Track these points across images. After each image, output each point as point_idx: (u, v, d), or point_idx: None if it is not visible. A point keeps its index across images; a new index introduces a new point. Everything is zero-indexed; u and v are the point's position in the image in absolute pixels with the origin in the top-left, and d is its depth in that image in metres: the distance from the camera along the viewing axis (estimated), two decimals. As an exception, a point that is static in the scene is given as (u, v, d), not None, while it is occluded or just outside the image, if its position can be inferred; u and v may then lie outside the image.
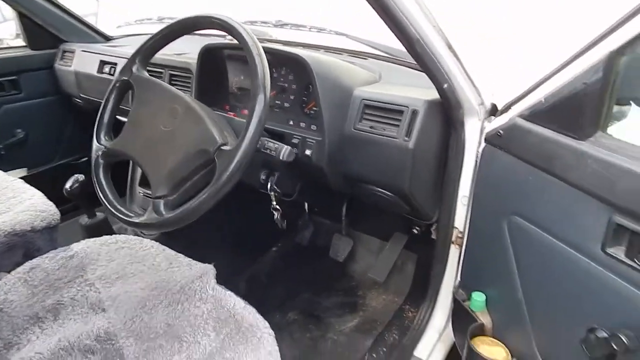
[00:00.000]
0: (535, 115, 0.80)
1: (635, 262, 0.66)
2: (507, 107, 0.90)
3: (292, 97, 1.13)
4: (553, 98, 0.74)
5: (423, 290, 1.25)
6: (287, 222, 1.73)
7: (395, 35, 0.76)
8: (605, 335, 0.71)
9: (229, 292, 0.96)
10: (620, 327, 0.69)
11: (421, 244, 1.43)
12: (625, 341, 0.67)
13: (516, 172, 0.86)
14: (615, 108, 0.72)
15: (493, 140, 0.91)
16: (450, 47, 0.80)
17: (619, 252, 0.69)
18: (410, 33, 0.74)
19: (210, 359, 0.84)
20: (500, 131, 0.88)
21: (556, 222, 0.79)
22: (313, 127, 1.07)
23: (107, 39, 1.91)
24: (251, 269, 1.64)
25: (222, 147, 0.80)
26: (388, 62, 1.23)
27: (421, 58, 0.80)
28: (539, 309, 0.89)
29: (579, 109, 0.70)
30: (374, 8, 0.71)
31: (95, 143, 1.00)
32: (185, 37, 1.46)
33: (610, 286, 0.71)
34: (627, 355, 0.69)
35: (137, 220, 0.87)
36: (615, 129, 0.74)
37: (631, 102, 0.74)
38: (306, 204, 1.70)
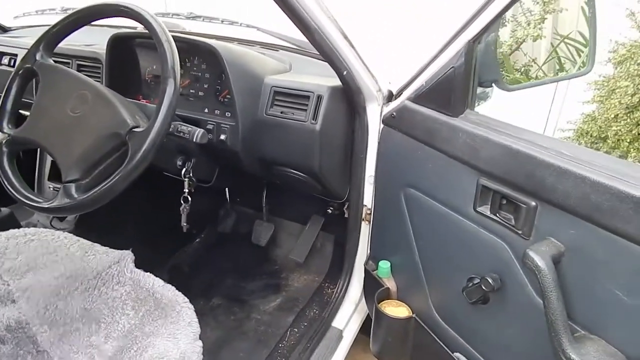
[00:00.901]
0: (419, 97, 0.92)
1: (496, 216, 0.80)
2: (400, 92, 1.02)
3: (205, 86, 1.17)
4: (431, 81, 0.86)
5: (340, 267, 1.35)
6: (208, 212, 1.76)
7: (296, 25, 0.84)
8: (477, 281, 0.85)
9: (147, 274, 0.98)
10: (489, 272, 0.83)
11: (337, 224, 1.53)
12: (490, 282, 0.80)
13: (407, 149, 0.98)
14: (480, 89, 0.86)
15: (388, 121, 1.02)
16: (345, 37, 0.90)
17: (485, 209, 0.82)
18: (309, 24, 0.82)
19: (129, 334, 0.86)
20: (394, 113, 1.00)
21: (440, 189, 0.92)
22: (227, 114, 1.12)
23: (4, 30, 1.79)
24: (173, 260, 1.64)
25: (134, 130, 0.83)
26: (298, 53, 1.31)
27: (320, 46, 0.88)
28: (431, 269, 1.02)
29: (451, 90, 0.83)
30: (276, 2, 0.78)
31: (-3, 132, 0.97)
32: (95, 29, 1.44)
33: (481, 239, 0.84)
34: (496, 294, 0.83)
35: (46, 205, 0.87)
36: (481, 108, 0.88)
37: (493, 84, 0.88)
38: (227, 194, 1.74)
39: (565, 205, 0.66)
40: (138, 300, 0.93)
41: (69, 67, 1.36)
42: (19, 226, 1.32)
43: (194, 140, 0.90)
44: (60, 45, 1.20)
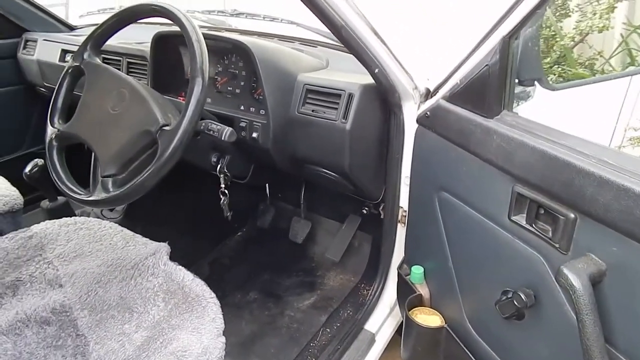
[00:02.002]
0: (453, 96, 0.87)
1: (532, 226, 0.74)
2: (436, 90, 0.97)
3: (242, 84, 1.18)
4: (465, 80, 0.81)
5: (377, 268, 1.32)
6: (250, 207, 1.79)
7: (323, 22, 0.82)
8: (511, 295, 0.79)
9: (179, 267, 1.02)
10: (522, 286, 0.77)
11: (374, 224, 1.50)
12: (523, 298, 0.75)
13: (441, 150, 0.93)
14: (520, 88, 0.80)
15: (422, 121, 0.98)
16: (376, 33, 0.87)
17: (520, 219, 0.76)
18: (334, 20, 0.80)
19: (157, 325, 0.90)
20: (428, 113, 0.95)
21: (473, 195, 0.87)
22: (262, 111, 1.13)
23: (71, 28, 1.93)
24: (214, 252, 1.69)
25: (164, 128, 0.85)
26: (336, 49, 1.29)
27: (349, 44, 0.86)
28: (465, 277, 0.97)
29: (486, 89, 0.77)
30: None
31: (49, 127, 1.04)
32: (149, 26, 1.50)
33: (516, 250, 0.78)
34: (531, 310, 0.77)
35: (85, 198, 0.92)
36: (521, 108, 0.81)
37: (535, 82, 0.81)
38: (267, 190, 1.76)
39: (606, 219, 0.60)
40: (169, 292, 0.96)
41: (119, 64, 1.44)
42: (73, 214, 1.41)
43: (223, 138, 0.91)
44: (113, 43, 1.27)
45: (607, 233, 0.60)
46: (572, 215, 0.65)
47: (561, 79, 1.53)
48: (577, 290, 0.60)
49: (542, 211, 0.72)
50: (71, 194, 0.96)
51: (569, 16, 1.82)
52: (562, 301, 0.70)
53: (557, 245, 0.69)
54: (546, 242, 0.71)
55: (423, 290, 1.12)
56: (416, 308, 1.11)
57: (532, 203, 0.73)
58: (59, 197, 1.39)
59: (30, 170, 1.24)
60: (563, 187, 0.65)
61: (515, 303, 0.77)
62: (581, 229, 0.65)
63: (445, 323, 1.06)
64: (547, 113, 0.85)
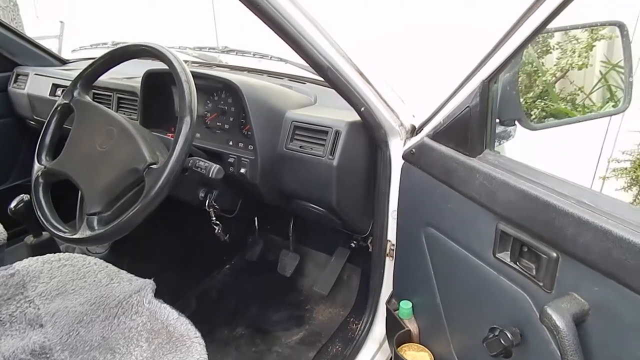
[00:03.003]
0: (437, 135, 0.88)
1: (517, 264, 0.74)
2: (420, 128, 0.99)
3: (231, 119, 1.19)
4: (448, 120, 0.83)
5: (365, 302, 1.31)
6: (238, 240, 1.78)
7: (309, 64, 0.84)
8: (498, 332, 0.79)
9: (164, 305, 1.00)
10: (509, 324, 0.77)
11: (363, 257, 1.49)
12: (509, 337, 0.74)
13: (427, 186, 0.94)
14: (501, 128, 0.82)
15: (408, 157, 0.99)
16: (361, 73, 0.89)
17: (505, 256, 0.77)
18: (320, 62, 0.82)
19: (139, 368, 0.88)
20: (413, 150, 0.97)
21: (459, 231, 0.88)
22: (250, 147, 1.14)
23: (63, 62, 1.95)
24: (202, 285, 1.67)
25: (151, 166, 0.86)
26: (324, 86, 1.31)
27: (335, 84, 0.88)
28: (453, 313, 0.97)
29: (468, 129, 0.79)
30: (286, 42, 0.79)
31: (36, 163, 1.04)
32: (143, 61, 1.52)
33: (501, 288, 0.78)
34: (517, 348, 0.77)
35: (70, 236, 0.91)
36: (503, 147, 0.83)
37: (516, 122, 0.83)
38: (256, 222, 1.76)
39: (587, 259, 0.60)
40: (152, 332, 0.95)
41: (110, 100, 1.45)
42: (58, 250, 1.39)
43: (210, 175, 0.91)
44: (104, 79, 1.28)
45: (588, 273, 0.61)
46: (555, 255, 0.66)
47: (544, 113, 1.57)
48: (561, 330, 0.60)
49: (526, 249, 0.73)
50: (55, 231, 0.95)
51: (550, 53, 1.88)
52: (548, 339, 0.70)
53: (541, 284, 0.69)
54: (530, 280, 0.72)
55: (412, 326, 1.11)
56: (405, 344, 1.10)
57: (516, 241, 0.74)
58: (43, 233, 1.37)
59: (15, 206, 1.23)
60: (544, 227, 0.66)
61: (502, 341, 0.76)
62: (564, 268, 0.66)
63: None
64: (530, 149, 0.87)
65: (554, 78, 1.81)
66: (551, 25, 0.62)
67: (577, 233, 0.60)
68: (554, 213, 0.64)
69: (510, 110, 0.80)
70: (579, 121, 1.08)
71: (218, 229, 1.19)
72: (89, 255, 1.27)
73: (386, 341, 1.30)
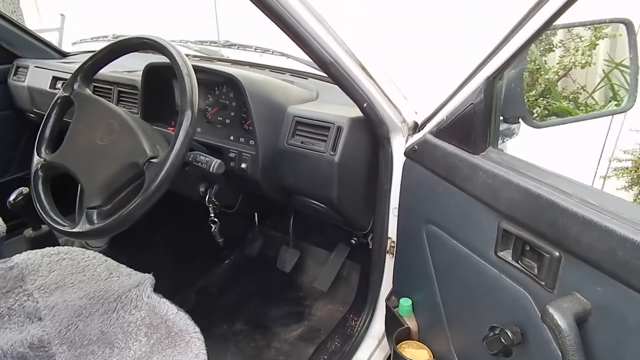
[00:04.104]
0: (440, 132, 0.88)
1: (519, 263, 0.74)
2: (423, 124, 0.99)
3: (232, 114, 1.19)
4: (451, 117, 0.82)
5: (365, 299, 1.31)
6: (238, 235, 1.78)
7: (312, 59, 0.83)
8: (498, 331, 0.78)
9: (163, 300, 1.00)
10: (510, 323, 0.77)
11: (363, 254, 1.49)
12: (510, 335, 0.74)
13: (429, 184, 0.93)
14: (505, 126, 0.81)
15: (410, 154, 0.99)
16: (364, 69, 0.88)
17: (507, 254, 0.76)
18: (323, 57, 0.81)
19: (138, 362, 0.87)
20: (415, 146, 0.96)
21: (460, 229, 0.87)
22: (251, 142, 1.13)
23: (64, 55, 1.94)
24: (202, 281, 1.67)
25: (152, 160, 0.85)
26: (326, 81, 1.30)
27: (337, 79, 0.87)
28: (453, 311, 0.96)
29: (471, 126, 0.78)
30: (289, 36, 0.78)
31: (35, 156, 1.03)
32: (143, 54, 1.51)
33: (502, 286, 0.78)
34: (518, 347, 0.76)
35: (69, 230, 0.90)
36: (506, 145, 0.82)
37: (520, 119, 0.83)
38: (256, 217, 1.75)
39: (591, 258, 0.60)
40: (151, 326, 0.94)
41: (110, 93, 1.44)
42: (57, 243, 1.39)
43: (211, 170, 0.91)
44: (105, 72, 1.27)
45: (591, 272, 0.60)
46: (557, 254, 0.65)
47: (546, 111, 1.56)
48: (562, 330, 0.59)
49: (528, 248, 0.72)
50: (55, 225, 0.94)
51: (553, 51, 1.87)
52: (549, 339, 0.69)
53: (542, 283, 0.69)
54: (532, 279, 0.71)
55: (411, 323, 1.11)
56: (404, 342, 1.10)
57: (518, 240, 0.73)
58: (42, 226, 1.37)
59: (14, 199, 1.22)
60: (547, 226, 0.66)
61: (503, 340, 0.76)
62: (566, 267, 0.65)
63: (434, 358, 1.04)
64: (532, 147, 0.87)
65: (556, 76, 1.80)
66: (557, 22, 0.61)
67: (581, 232, 0.60)
68: (557, 212, 0.63)
69: (514, 107, 0.79)
70: (584, 119, 1.07)
71: (215, 228, 1.19)
72: (88, 249, 1.27)
73: (385, 338, 1.30)
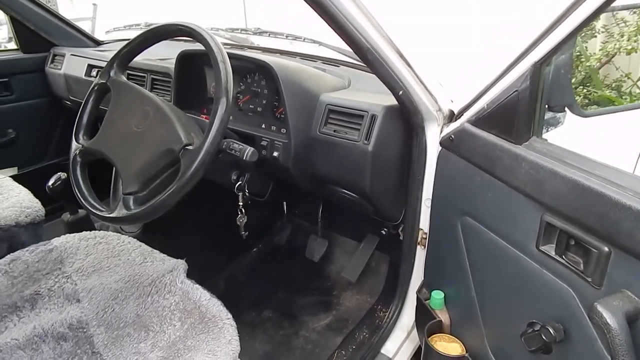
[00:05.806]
0: (479, 120, 0.85)
1: (562, 258, 0.71)
2: (460, 113, 0.96)
3: (264, 102, 1.18)
4: (492, 105, 0.79)
5: (394, 290, 1.30)
6: (267, 223, 1.79)
7: (348, 45, 0.81)
8: (538, 327, 0.76)
9: (196, 286, 1.01)
10: (551, 320, 0.74)
11: (393, 245, 1.47)
12: (552, 332, 0.72)
13: (466, 174, 0.91)
14: (550, 114, 0.78)
15: (446, 144, 0.96)
16: (401, 55, 0.86)
17: (549, 249, 0.73)
18: (360, 43, 0.79)
19: (173, 346, 0.89)
20: (452, 136, 0.93)
21: (499, 221, 0.84)
22: (283, 130, 1.13)
23: (98, 43, 1.97)
24: (230, 268, 1.68)
25: (187, 147, 0.85)
26: (359, 69, 1.28)
27: (374, 66, 0.85)
28: (488, 306, 0.94)
29: (514, 115, 0.75)
30: (326, 21, 0.77)
31: (74, 142, 1.05)
32: (175, 43, 1.52)
33: (544, 282, 0.75)
34: (559, 345, 0.74)
35: (106, 215, 0.92)
36: (551, 135, 0.79)
37: (566, 108, 0.79)
38: (285, 206, 1.75)
39: (644, 255, 0.57)
40: (185, 311, 0.95)
41: (144, 81, 1.46)
42: (93, 228, 1.42)
43: (244, 158, 0.90)
44: (138, 60, 1.29)
45: (644, 270, 0.57)
46: (606, 249, 0.62)
47: (587, 101, 1.50)
48: (612, 329, 0.57)
49: (573, 242, 0.70)
50: (93, 210, 0.96)
51: (595, 37, 1.79)
52: (594, 338, 0.67)
53: (589, 279, 0.66)
54: (577, 275, 0.68)
55: (443, 316, 1.09)
56: (436, 335, 1.08)
57: (563, 233, 0.71)
58: (79, 210, 1.40)
59: (53, 184, 1.26)
60: (597, 220, 0.62)
61: (543, 337, 0.74)
62: (616, 263, 0.62)
63: (467, 352, 1.03)
64: (577, 138, 0.83)
65: (598, 63, 1.73)
66: (616, 4, 0.57)
67: (635, 227, 0.57)
68: (609, 205, 0.60)
69: (561, 95, 0.75)
70: (635, 108, 1.01)
71: (240, 218, 1.18)
72: (123, 234, 1.30)
73: (414, 330, 1.29)
